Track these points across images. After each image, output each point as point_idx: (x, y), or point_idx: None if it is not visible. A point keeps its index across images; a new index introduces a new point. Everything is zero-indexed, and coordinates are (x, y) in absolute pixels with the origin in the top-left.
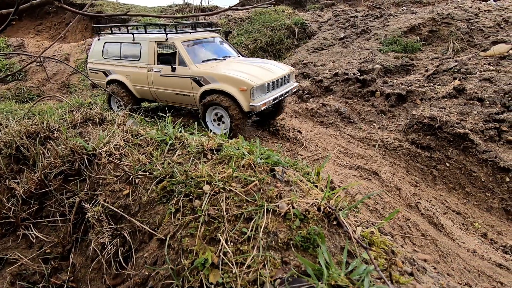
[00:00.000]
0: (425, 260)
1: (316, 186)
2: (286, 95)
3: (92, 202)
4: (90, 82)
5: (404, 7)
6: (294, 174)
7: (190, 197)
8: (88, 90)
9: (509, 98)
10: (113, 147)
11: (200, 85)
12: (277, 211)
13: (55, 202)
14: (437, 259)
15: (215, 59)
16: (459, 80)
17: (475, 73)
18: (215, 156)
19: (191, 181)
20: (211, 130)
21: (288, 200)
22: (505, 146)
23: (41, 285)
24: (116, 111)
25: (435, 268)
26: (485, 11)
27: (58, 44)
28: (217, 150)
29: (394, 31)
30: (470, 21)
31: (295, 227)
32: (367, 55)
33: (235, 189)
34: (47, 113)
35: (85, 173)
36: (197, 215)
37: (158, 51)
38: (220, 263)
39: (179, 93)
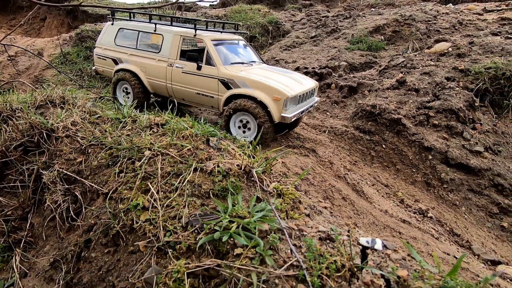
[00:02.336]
0: (325, 207)
1: (245, 153)
2: (309, 109)
3: (49, 169)
4: (93, 68)
5: (372, 9)
6: (228, 144)
7: (133, 160)
8: (62, 84)
9: (439, 88)
10: (70, 123)
11: (228, 88)
12: (204, 169)
13: (15, 171)
14: (350, 215)
15: (243, 63)
16: (402, 73)
17: (418, 68)
18: (160, 129)
19: (135, 148)
20: (234, 138)
21: (215, 161)
22: (431, 129)
23: (2, 240)
24: (123, 104)
25: (331, 213)
26: (443, 13)
27: (32, 38)
28: (163, 124)
29: (361, 31)
30: (429, 22)
31: (217, 180)
32: (334, 53)
33: (171, 153)
34: (10, 95)
35: (44, 146)
36: (136, 173)
37: (182, 47)
38: (150, 206)
39: (201, 93)
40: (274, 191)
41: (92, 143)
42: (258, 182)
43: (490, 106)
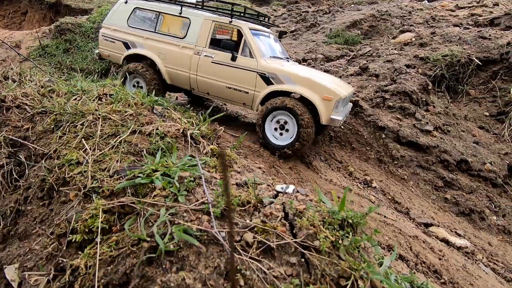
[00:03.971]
0: (259, 168)
1: (189, 121)
2: (347, 115)
3: None
4: (96, 52)
5: (352, 5)
6: (172, 112)
7: (75, 124)
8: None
9: (397, 74)
10: (21, 94)
11: (269, 83)
12: (143, 131)
13: None
14: (294, 182)
15: (280, 58)
16: (367, 61)
17: (383, 56)
18: (109, 99)
19: (79, 113)
20: (269, 143)
21: (155, 124)
22: (386, 111)
23: None
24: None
25: (264, 172)
26: (417, 9)
27: (10, 31)
28: (111, 95)
29: (339, 26)
30: (404, 18)
31: (154, 141)
32: (312, 46)
33: (113, 117)
34: None
35: None
36: (77, 134)
37: (213, 34)
38: (85, 162)
39: (233, 87)
40: (209, 151)
41: (40, 111)
42: (190, 141)
43: (447, 91)
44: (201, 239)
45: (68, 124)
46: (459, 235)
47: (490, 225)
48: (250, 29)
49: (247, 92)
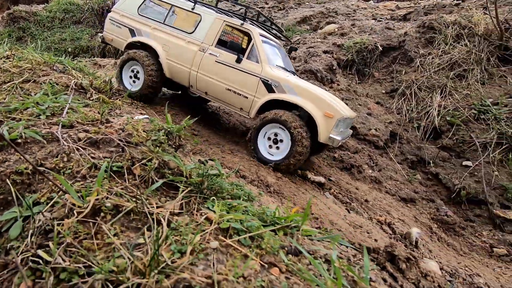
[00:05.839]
0: (141, 113)
1: (86, 78)
2: (346, 140)
3: None
4: (101, 35)
5: (307, 3)
6: (72, 70)
7: None
8: None
9: (310, 56)
10: None
11: (271, 91)
12: (38, 81)
13: None
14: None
15: (286, 70)
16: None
17: (307, 44)
18: (16, 59)
19: None
20: (260, 158)
21: (50, 77)
22: None
23: None
24: (129, 87)
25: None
26: (362, 8)
27: None
28: (19, 56)
29: (290, 21)
30: (349, 15)
31: (49, 90)
32: None
33: (12, 70)
34: None
35: None
36: None
37: (222, 35)
38: None
39: (233, 90)
40: (96, 99)
41: None
42: (76, 88)
43: (356, 74)
44: (46, 138)
45: None
46: (330, 180)
47: (365, 177)
48: (260, 35)
49: (246, 97)
